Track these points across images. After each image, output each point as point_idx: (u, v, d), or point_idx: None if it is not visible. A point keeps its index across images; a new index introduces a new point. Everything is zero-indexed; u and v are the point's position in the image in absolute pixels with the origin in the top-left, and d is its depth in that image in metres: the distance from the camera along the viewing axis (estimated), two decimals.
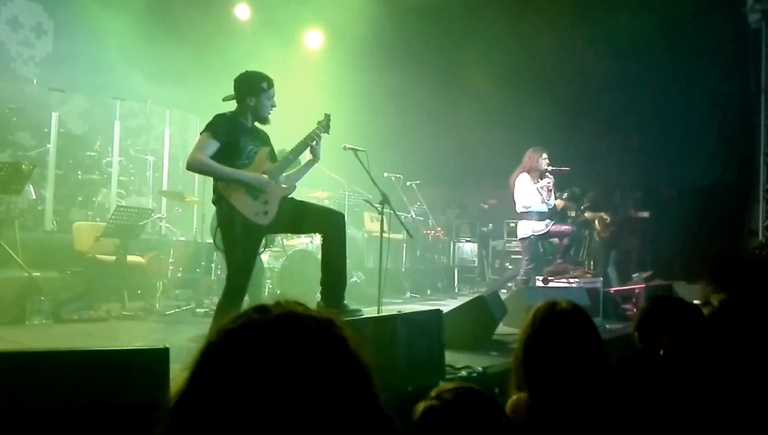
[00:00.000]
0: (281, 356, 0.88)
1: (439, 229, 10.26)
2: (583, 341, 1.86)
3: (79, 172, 8.40)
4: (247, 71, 4.24)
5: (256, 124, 4.28)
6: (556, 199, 7.49)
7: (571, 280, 6.75)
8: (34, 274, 5.80)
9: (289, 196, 4.28)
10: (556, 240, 7.66)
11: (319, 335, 0.92)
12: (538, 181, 7.14)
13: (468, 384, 1.57)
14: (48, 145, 7.84)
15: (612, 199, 8.78)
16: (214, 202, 4.11)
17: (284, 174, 4.32)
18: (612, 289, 7.18)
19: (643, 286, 6.82)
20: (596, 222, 8.62)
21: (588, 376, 1.81)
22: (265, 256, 6.54)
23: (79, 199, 8.15)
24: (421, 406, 1.52)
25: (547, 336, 1.85)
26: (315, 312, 0.96)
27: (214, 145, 3.97)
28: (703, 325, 2.37)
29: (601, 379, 1.84)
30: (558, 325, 1.86)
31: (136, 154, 9.19)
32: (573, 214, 8.36)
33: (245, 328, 0.92)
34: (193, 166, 4.00)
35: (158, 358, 2.20)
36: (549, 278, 6.85)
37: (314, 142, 4.34)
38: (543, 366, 1.83)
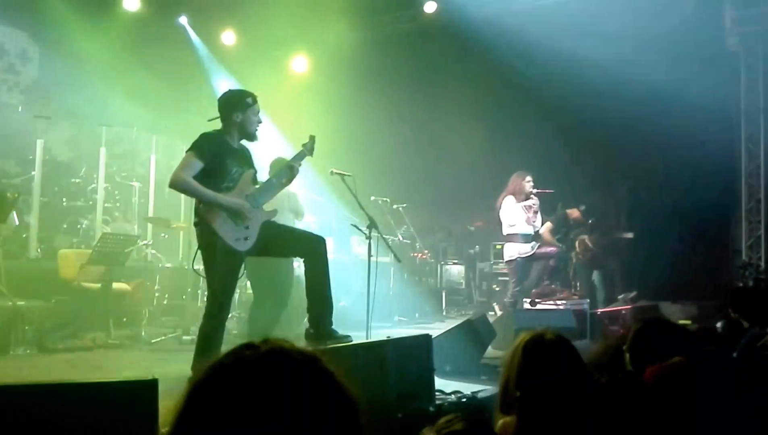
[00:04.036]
0: (270, 392, 0.89)
1: (426, 251, 10.27)
2: (569, 370, 1.96)
3: (64, 199, 8.36)
4: (229, 89, 4.30)
5: (242, 142, 4.26)
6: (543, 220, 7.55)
7: (558, 302, 6.78)
8: (18, 302, 5.74)
9: (271, 220, 4.27)
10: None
11: (307, 370, 0.94)
12: (523, 203, 7.22)
13: (473, 426, 1.60)
14: (33, 173, 7.81)
15: (598, 220, 8.84)
16: (195, 225, 4.08)
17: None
18: (599, 311, 7.20)
19: (629, 307, 6.86)
20: (577, 244, 8.67)
21: (575, 402, 1.89)
22: None
23: (64, 226, 8.11)
24: None
25: (535, 368, 1.95)
26: (301, 348, 0.98)
27: (198, 165, 3.94)
28: (695, 351, 2.41)
29: (587, 406, 1.92)
30: (545, 358, 1.97)
31: (122, 181, 9.15)
32: (559, 236, 8.40)
33: (235, 365, 0.93)
34: (176, 185, 3.97)
35: (147, 389, 2.17)
36: (536, 300, 6.87)
37: (298, 165, 4.35)
38: (532, 395, 1.91)
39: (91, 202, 8.42)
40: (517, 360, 1.98)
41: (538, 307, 6.78)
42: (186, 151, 4.05)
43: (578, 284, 8.66)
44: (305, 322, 4.48)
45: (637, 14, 8.54)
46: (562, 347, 2.00)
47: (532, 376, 1.94)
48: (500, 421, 2.03)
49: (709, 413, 2.23)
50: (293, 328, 5.93)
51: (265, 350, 0.94)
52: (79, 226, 8.13)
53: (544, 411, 1.89)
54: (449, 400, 3.99)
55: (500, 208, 7.28)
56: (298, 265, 7.29)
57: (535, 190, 7.21)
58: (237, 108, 4.13)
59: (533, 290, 7.28)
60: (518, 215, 7.13)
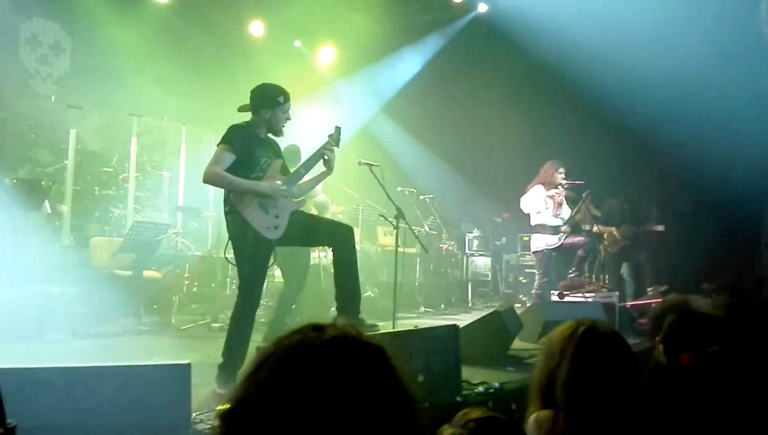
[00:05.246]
0: (334, 377, 0.89)
1: (452, 242, 10.24)
2: (624, 364, 1.90)
3: (96, 188, 8.48)
4: (264, 84, 4.25)
5: (269, 135, 4.29)
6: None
7: (587, 295, 6.71)
8: (51, 288, 5.85)
9: (300, 210, 4.30)
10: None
11: (372, 361, 0.93)
12: (547, 193, 7.20)
13: (491, 412, 1.57)
14: (65, 162, 7.94)
15: (627, 212, 8.72)
16: (226, 214, 4.11)
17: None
18: (628, 304, 7.12)
19: (659, 300, 6.75)
20: (606, 236, 8.57)
21: (624, 397, 1.83)
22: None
23: (96, 214, 8.22)
24: (446, 432, 1.52)
25: (589, 360, 1.87)
26: (368, 337, 0.96)
27: (230, 158, 3.98)
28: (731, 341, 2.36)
29: (635, 400, 1.86)
30: (600, 350, 1.88)
31: (152, 170, 9.26)
32: (587, 226, 8.32)
33: (302, 344, 0.93)
34: (210, 180, 4.02)
35: (180, 373, 2.22)
36: (564, 293, 6.82)
37: (326, 156, 4.35)
38: (583, 388, 1.84)
39: (122, 191, 8.53)
40: (570, 350, 1.86)
41: (567, 299, 6.72)
42: (217, 145, 4.08)
43: (606, 277, 8.57)
44: (332, 311, 4.52)
45: (672, 4, 8.40)
46: (617, 340, 1.93)
47: (586, 368, 1.84)
48: (534, 414, 1.96)
49: (744, 404, 2.19)
50: (320, 317, 5.96)
51: (332, 335, 0.93)
52: (110, 215, 8.24)
53: (596, 405, 1.81)
54: (476, 390, 3.99)
55: (525, 193, 7.28)
56: (325, 255, 7.37)
57: (565, 182, 7.18)
58: (267, 105, 4.15)
59: (561, 282, 7.23)
60: (540, 204, 7.14)
